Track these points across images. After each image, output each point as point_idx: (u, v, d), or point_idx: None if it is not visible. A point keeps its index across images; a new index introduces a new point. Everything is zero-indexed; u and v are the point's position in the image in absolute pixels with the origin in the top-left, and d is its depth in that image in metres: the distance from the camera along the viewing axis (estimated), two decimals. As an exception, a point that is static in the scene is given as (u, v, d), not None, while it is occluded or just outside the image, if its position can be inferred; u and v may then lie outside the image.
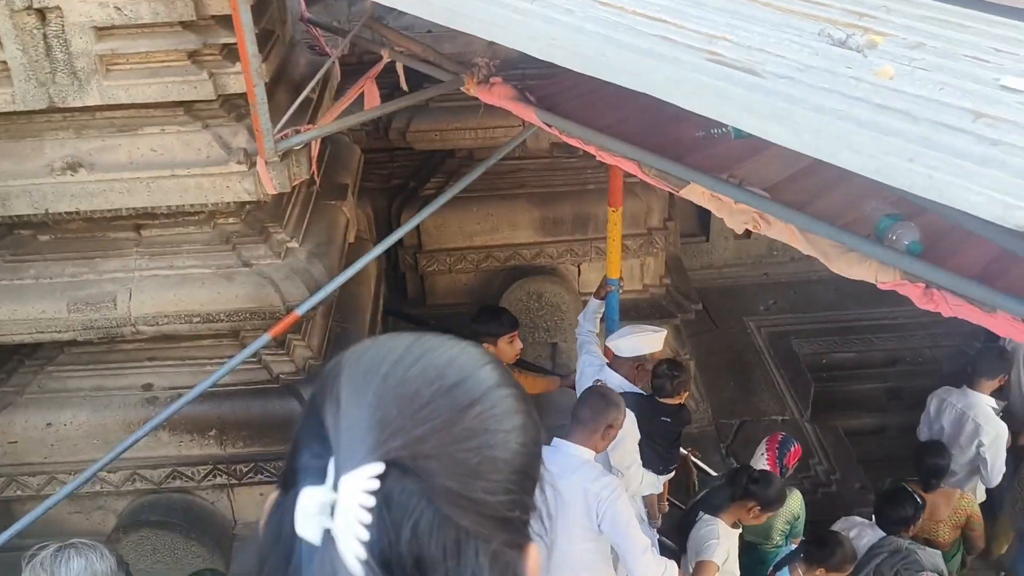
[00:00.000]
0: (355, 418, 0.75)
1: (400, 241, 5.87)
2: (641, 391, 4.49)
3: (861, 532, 4.51)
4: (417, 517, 0.73)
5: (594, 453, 3.61)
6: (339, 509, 0.71)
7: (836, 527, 4.60)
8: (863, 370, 7.14)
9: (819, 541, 4.13)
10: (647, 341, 4.40)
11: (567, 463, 3.52)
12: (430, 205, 4.15)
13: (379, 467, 0.72)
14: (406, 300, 6.08)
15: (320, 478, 0.74)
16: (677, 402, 4.48)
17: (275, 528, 0.79)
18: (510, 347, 4.54)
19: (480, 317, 4.69)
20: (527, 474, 0.83)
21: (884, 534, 4.38)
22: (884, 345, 7.16)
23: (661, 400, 4.44)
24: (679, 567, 4.26)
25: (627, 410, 3.95)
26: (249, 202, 3.80)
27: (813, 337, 7.15)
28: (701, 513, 4.14)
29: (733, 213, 2.63)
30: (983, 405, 5.14)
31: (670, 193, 6.09)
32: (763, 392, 6.54)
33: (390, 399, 0.76)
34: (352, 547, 0.70)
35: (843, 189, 2.63)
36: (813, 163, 2.82)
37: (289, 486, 0.78)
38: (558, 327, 5.80)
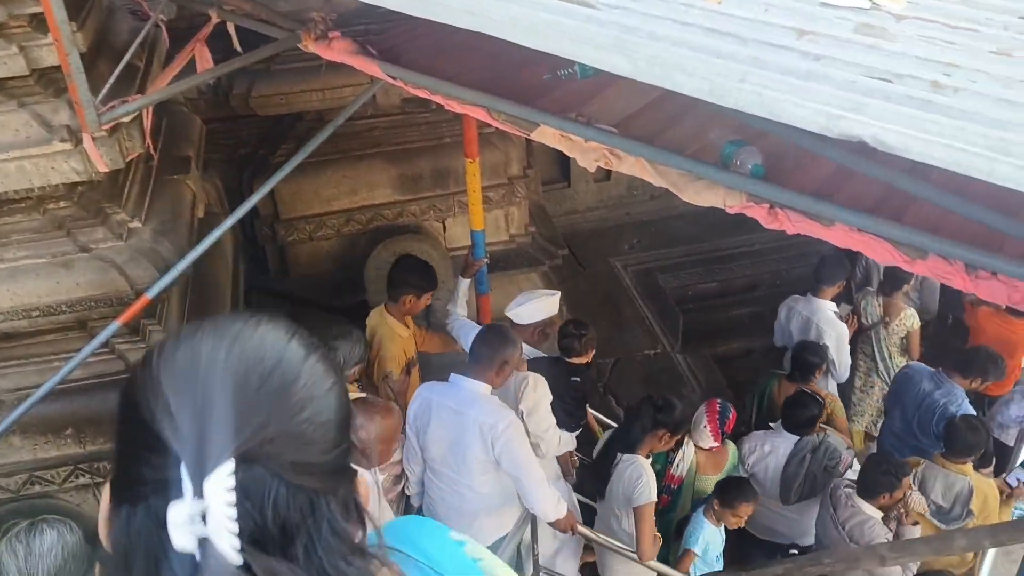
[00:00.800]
0: (195, 423, 0.78)
1: (255, 213, 5.65)
2: (545, 355, 4.54)
3: (767, 440, 4.79)
4: (274, 495, 0.80)
5: (490, 388, 3.62)
6: (211, 515, 0.75)
7: (744, 446, 4.88)
8: (726, 298, 7.45)
9: (727, 483, 4.36)
10: (545, 305, 4.40)
11: (463, 397, 3.57)
12: (279, 172, 3.98)
13: (231, 464, 0.76)
14: (269, 274, 5.87)
15: (177, 491, 0.77)
16: (585, 361, 4.54)
17: (132, 544, 0.82)
18: (426, 302, 4.52)
19: (409, 268, 4.55)
20: (347, 422, 0.90)
21: (795, 437, 4.65)
22: (744, 272, 7.47)
23: (569, 360, 4.48)
24: (602, 512, 4.45)
25: (539, 376, 4.06)
26: (80, 183, 3.55)
27: (677, 271, 7.38)
28: (619, 455, 4.22)
29: (584, 152, 2.63)
30: (825, 310, 5.50)
31: (527, 141, 6.13)
32: (635, 329, 6.71)
33: (223, 397, 0.79)
34: (228, 542, 0.75)
35: (689, 120, 2.68)
36: (659, 97, 2.86)
37: (133, 500, 0.82)
38: (428, 285, 5.74)
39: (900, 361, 5.80)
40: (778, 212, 2.22)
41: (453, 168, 5.65)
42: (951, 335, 6.75)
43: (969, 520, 4.39)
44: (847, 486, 4.39)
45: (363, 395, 3.75)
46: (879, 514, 4.23)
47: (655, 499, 4.08)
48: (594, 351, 4.61)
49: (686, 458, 4.59)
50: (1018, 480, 4.82)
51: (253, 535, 0.78)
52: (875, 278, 6.15)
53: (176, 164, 4.26)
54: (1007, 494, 4.83)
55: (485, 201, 4.97)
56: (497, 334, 3.76)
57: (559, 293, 4.68)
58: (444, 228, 5.90)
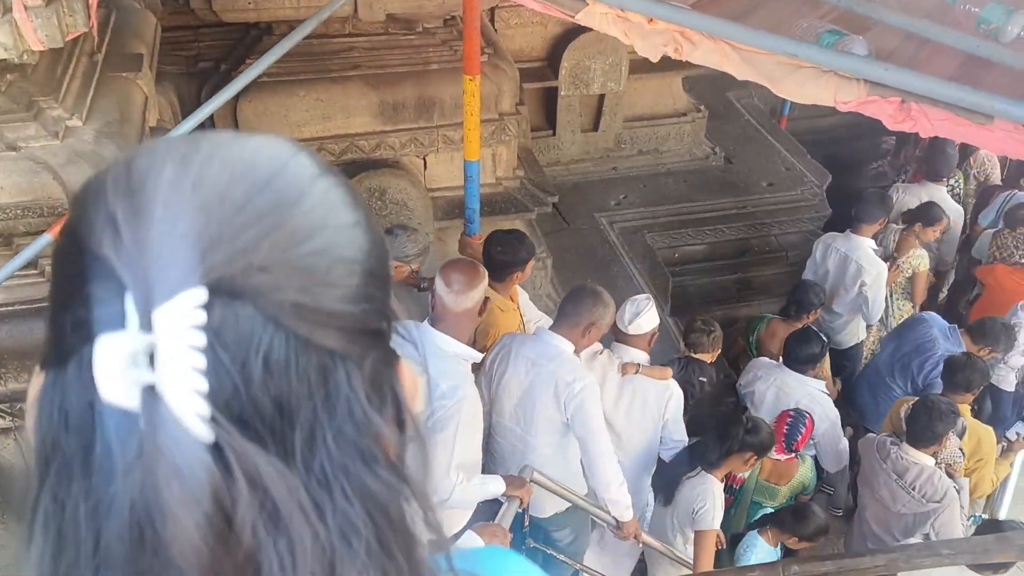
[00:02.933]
0: (150, 237, 0.54)
1: (213, 135, 5.03)
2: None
3: (769, 373, 4.75)
4: (267, 348, 0.55)
5: (573, 347, 3.43)
6: (160, 355, 0.51)
7: (745, 377, 4.86)
8: (714, 262, 7.04)
9: (796, 512, 4.08)
10: (655, 313, 4.08)
11: (544, 351, 3.40)
12: (236, 81, 3.37)
13: (201, 293, 0.52)
14: (226, 205, 5.25)
15: (118, 323, 0.53)
16: (711, 359, 4.43)
17: (56, 416, 0.56)
18: (529, 271, 4.03)
19: (505, 244, 3.92)
20: (383, 278, 0.65)
21: (795, 373, 4.63)
22: (735, 235, 7.06)
23: (695, 356, 4.40)
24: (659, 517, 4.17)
25: (679, 390, 3.99)
26: (9, 67, 2.94)
27: (665, 231, 6.94)
28: (698, 469, 3.92)
29: (647, 35, 2.11)
30: (865, 248, 5.47)
31: (520, 74, 5.56)
32: (623, 288, 6.23)
33: (192, 206, 0.55)
34: (189, 404, 0.51)
35: (772, 6, 2.18)
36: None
37: (66, 354, 0.56)
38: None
39: (902, 303, 5.82)
40: (912, 107, 1.74)
41: (439, 98, 5.08)
42: (957, 291, 6.56)
43: (958, 460, 4.32)
44: (890, 439, 4.19)
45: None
46: (932, 461, 4.06)
47: (718, 528, 3.79)
48: (720, 350, 4.49)
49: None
50: (1017, 434, 4.89)
51: (232, 405, 0.53)
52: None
53: (126, 61, 3.64)
54: (1004, 446, 4.86)
55: (472, 136, 4.43)
56: (590, 294, 3.51)
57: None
58: (425, 165, 5.34)
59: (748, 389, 4.88)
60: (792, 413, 4.35)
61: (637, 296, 4.12)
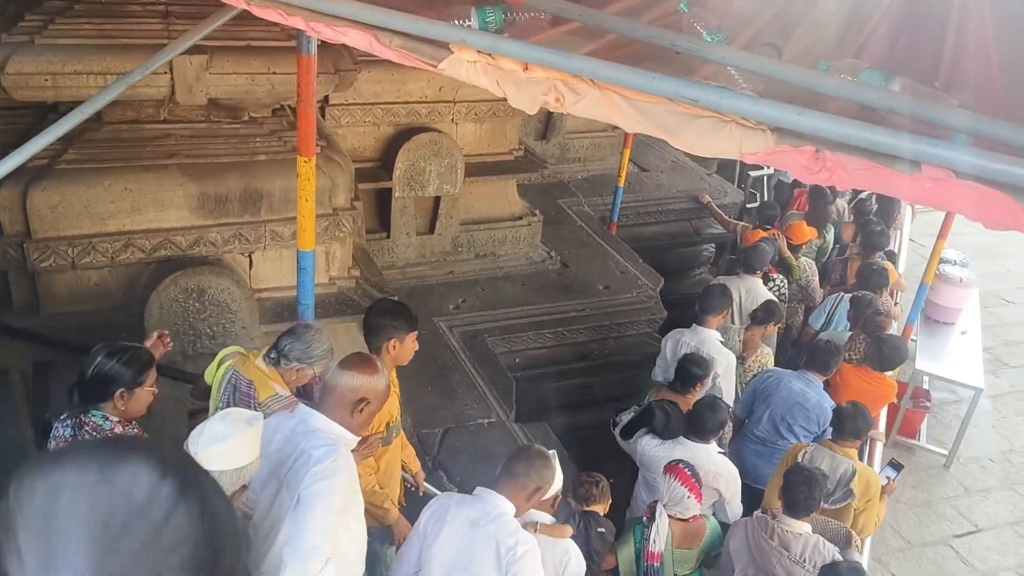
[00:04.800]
0: (44, 569, 0.77)
1: (-1, 229, 4.37)
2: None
3: (675, 448, 4.67)
4: None
5: (515, 509, 3.25)
6: None
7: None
8: (557, 366, 6.87)
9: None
10: (559, 473, 3.69)
11: (485, 511, 3.21)
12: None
13: None
14: (11, 309, 4.52)
15: None
16: (605, 508, 4.25)
17: None
18: (414, 345, 3.76)
19: (383, 309, 3.78)
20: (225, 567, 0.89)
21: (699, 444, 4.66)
22: (575, 338, 6.94)
23: (590, 509, 4.18)
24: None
25: (580, 554, 3.77)
26: None
27: (506, 334, 6.71)
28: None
29: (522, 85, 1.87)
30: (713, 340, 5.61)
31: (355, 171, 5.26)
32: (464, 395, 5.91)
33: (77, 540, 0.77)
34: None
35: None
36: None
37: None
38: (227, 332, 4.66)
39: None
40: (828, 157, 1.56)
41: (267, 190, 4.69)
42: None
43: (850, 500, 4.59)
44: (766, 516, 4.27)
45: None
46: (810, 528, 4.14)
47: None
48: (610, 499, 4.30)
49: (661, 532, 4.24)
50: (887, 478, 5.07)
51: None
52: (741, 314, 6.35)
53: None
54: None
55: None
56: (538, 456, 3.34)
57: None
58: (251, 263, 4.86)
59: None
60: (678, 463, 4.29)
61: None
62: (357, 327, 5.46)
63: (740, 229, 8.12)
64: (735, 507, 4.80)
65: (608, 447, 5.84)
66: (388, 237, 6.89)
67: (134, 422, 3.27)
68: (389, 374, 3.50)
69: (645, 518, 4.31)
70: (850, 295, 6.69)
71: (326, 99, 6.27)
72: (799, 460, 4.55)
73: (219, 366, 3.62)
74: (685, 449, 4.66)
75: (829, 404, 5.24)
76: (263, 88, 4.40)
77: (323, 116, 6.23)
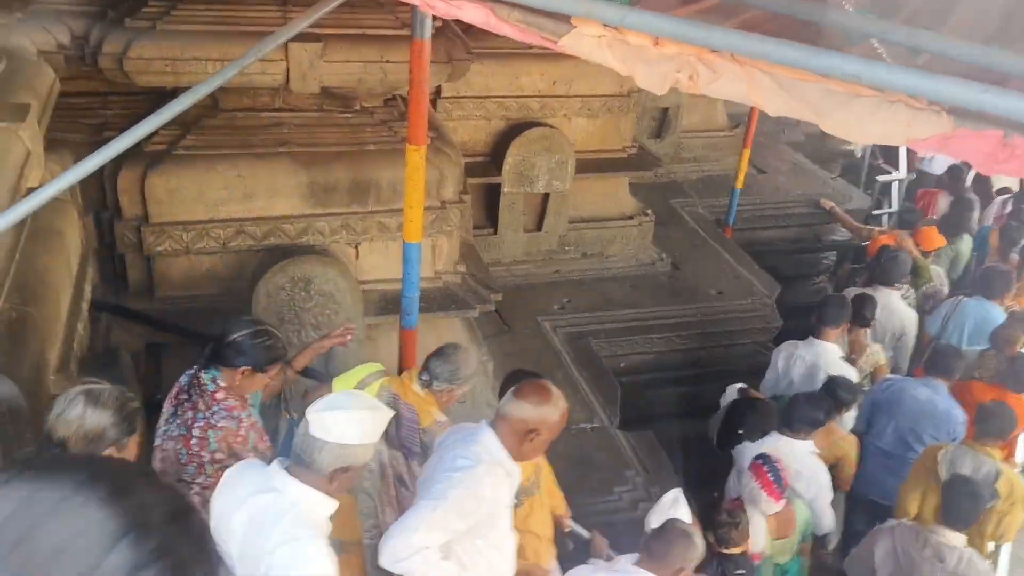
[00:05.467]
0: None
1: (117, 212, 4.45)
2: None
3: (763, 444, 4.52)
4: None
5: None
6: None
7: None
8: (662, 373, 6.61)
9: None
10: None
11: None
12: (105, 148, 2.78)
13: None
14: (127, 291, 4.61)
15: None
16: (745, 548, 4.02)
17: None
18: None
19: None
20: None
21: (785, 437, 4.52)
22: (684, 344, 6.67)
23: (727, 552, 3.92)
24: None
25: None
26: None
27: (612, 337, 6.50)
28: None
29: (652, 62, 1.68)
30: (832, 354, 5.21)
31: (464, 165, 5.16)
32: (567, 398, 5.63)
33: None
34: None
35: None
36: None
37: None
38: (331, 323, 4.61)
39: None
40: (1019, 143, 1.32)
41: (375, 181, 4.62)
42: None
43: (994, 502, 4.33)
44: (919, 527, 4.14)
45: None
46: (965, 541, 4.01)
47: None
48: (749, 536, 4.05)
49: (758, 530, 4.10)
50: None
51: None
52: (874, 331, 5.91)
53: (7, 110, 3.09)
54: None
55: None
56: (685, 536, 3.20)
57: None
58: (357, 254, 4.81)
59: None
60: (761, 461, 4.18)
61: (665, 497, 3.63)
62: (461, 323, 5.38)
63: (874, 235, 7.55)
64: (819, 514, 4.54)
65: (717, 459, 5.57)
66: (495, 233, 6.77)
67: (246, 403, 3.30)
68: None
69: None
70: (972, 299, 6.18)
71: (438, 91, 6.20)
72: (938, 462, 4.37)
73: (358, 383, 3.58)
74: (774, 442, 4.49)
75: (959, 411, 4.87)
76: (375, 76, 4.33)
77: (434, 108, 6.16)
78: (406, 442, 3.58)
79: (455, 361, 3.53)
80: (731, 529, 3.92)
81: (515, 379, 3.68)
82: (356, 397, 2.68)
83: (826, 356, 5.19)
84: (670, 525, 3.31)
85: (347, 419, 2.51)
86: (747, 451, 4.68)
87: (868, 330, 5.69)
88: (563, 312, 6.61)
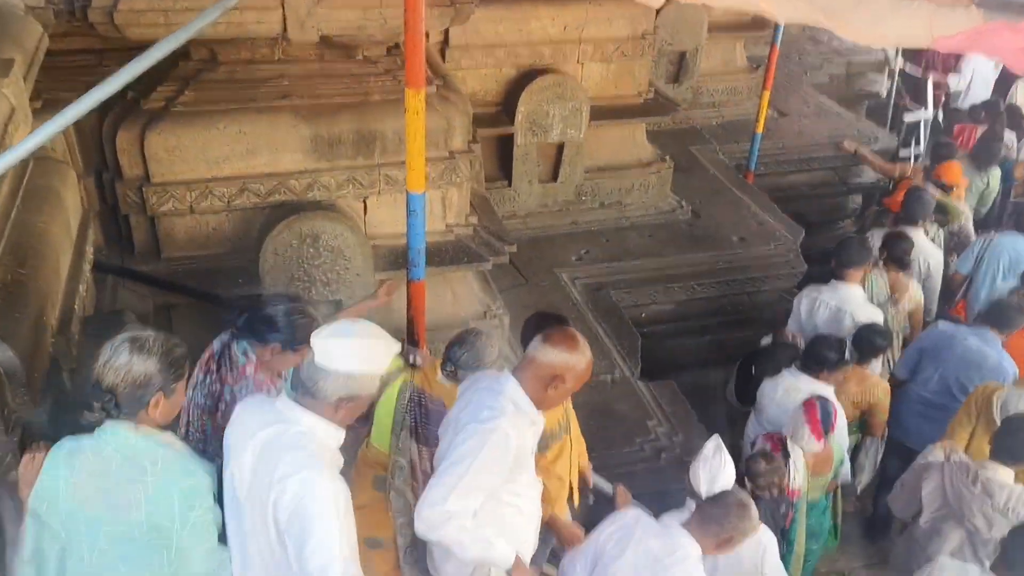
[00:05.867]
0: None
1: (118, 173, 4.37)
2: None
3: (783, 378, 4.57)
4: None
5: (700, 552, 3.07)
6: None
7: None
8: (686, 321, 6.48)
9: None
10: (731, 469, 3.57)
11: (671, 549, 3.05)
12: (76, 104, 2.67)
13: None
14: (133, 253, 4.54)
15: None
16: (782, 481, 4.04)
17: None
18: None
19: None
20: None
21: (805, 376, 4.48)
22: (706, 293, 6.52)
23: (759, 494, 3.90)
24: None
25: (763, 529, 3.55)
26: None
27: (631, 287, 6.37)
28: None
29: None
30: (857, 297, 5.08)
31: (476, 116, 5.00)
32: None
33: None
34: None
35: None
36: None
37: None
38: (341, 279, 4.54)
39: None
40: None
41: (381, 132, 4.49)
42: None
43: None
44: (971, 462, 4.06)
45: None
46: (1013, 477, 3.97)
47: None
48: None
49: (799, 468, 4.08)
50: None
51: None
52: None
53: (-9, 65, 2.99)
54: None
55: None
56: (741, 506, 3.14)
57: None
58: (365, 209, 4.70)
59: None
60: (816, 400, 4.17)
61: (706, 448, 3.57)
62: (475, 276, 5.27)
63: (906, 171, 7.32)
64: None
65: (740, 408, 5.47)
66: (509, 185, 6.63)
67: (275, 379, 3.23)
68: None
69: (778, 454, 4.08)
70: (1005, 235, 5.95)
71: (445, 40, 6.03)
72: (992, 403, 4.25)
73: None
74: (792, 378, 4.52)
75: (1011, 365, 4.66)
76: (375, 23, 4.18)
77: (443, 58, 5.99)
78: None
79: (478, 347, 3.43)
80: (772, 476, 3.92)
81: (536, 321, 3.68)
82: (360, 326, 2.61)
83: (851, 300, 5.03)
84: (729, 494, 3.28)
85: (351, 346, 2.48)
86: (766, 388, 4.63)
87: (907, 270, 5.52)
88: (581, 263, 6.48)
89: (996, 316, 4.83)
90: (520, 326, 5.48)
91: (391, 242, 4.70)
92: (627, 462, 4.83)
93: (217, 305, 4.34)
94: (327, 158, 4.47)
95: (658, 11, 7.13)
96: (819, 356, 4.46)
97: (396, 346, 2.66)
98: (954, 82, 9.31)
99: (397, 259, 4.68)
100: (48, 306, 3.15)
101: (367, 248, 4.54)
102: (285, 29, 4.09)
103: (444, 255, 4.79)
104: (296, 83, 4.45)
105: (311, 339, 2.49)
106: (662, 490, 4.50)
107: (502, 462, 2.81)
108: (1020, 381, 4.44)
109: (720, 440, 3.57)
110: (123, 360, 2.36)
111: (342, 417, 2.53)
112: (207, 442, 3.13)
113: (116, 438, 2.39)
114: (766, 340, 5.43)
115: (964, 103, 9.26)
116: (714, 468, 3.47)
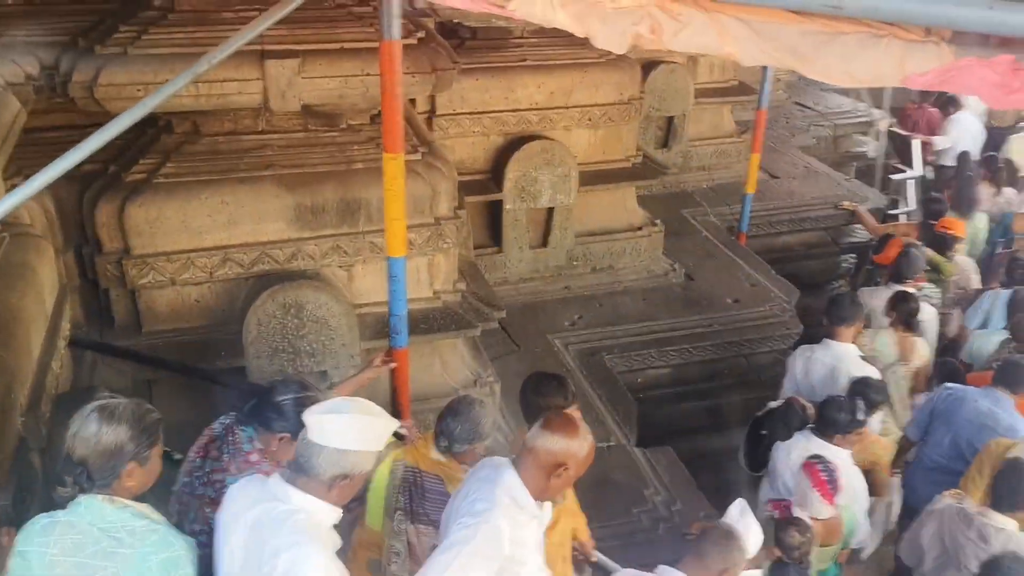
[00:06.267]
0: None
1: (98, 246, 4.31)
2: None
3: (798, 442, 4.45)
4: None
5: None
6: None
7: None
8: (684, 386, 6.36)
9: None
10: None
11: None
12: (44, 171, 2.64)
13: None
14: (113, 327, 4.45)
15: None
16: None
17: None
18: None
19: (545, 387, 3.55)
20: None
21: (818, 439, 4.37)
22: (701, 356, 6.41)
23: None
24: None
25: None
26: None
27: (626, 352, 6.27)
28: None
29: (608, 18, 1.48)
30: (852, 355, 4.97)
31: (461, 188, 4.98)
32: (584, 419, 5.49)
33: None
34: None
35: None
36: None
37: None
38: (327, 349, 4.43)
39: (913, 400, 5.34)
40: (1033, 66, 1.10)
41: (365, 200, 4.45)
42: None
43: None
44: (970, 506, 4.04)
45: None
46: (1016, 525, 3.93)
47: None
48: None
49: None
50: None
51: None
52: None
53: (-38, 140, 2.95)
54: None
55: (407, 246, 3.77)
56: (729, 538, 3.08)
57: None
58: (350, 277, 4.63)
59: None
60: (813, 460, 4.06)
61: (731, 512, 3.44)
62: (464, 343, 5.17)
63: (898, 229, 7.36)
64: (856, 524, 4.35)
65: (741, 473, 5.31)
66: (500, 252, 6.59)
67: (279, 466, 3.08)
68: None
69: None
70: (1011, 290, 5.91)
71: (432, 109, 6.06)
72: (1007, 458, 4.15)
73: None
74: (805, 440, 4.39)
75: (1023, 425, 4.50)
76: (357, 91, 4.17)
77: (430, 127, 6.01)
78: (439, 514, 3.36)
79: (472, 418, 3.31)
80: (806, 546, 3.83)
81: (535, 382, 3.56)
82: (356, 403, 2.53)
83: (845, 357, 4.92)
84: (715, 527, 3.20)
85: (346, 423, 2.40)
86: (780, 451, 4.51)
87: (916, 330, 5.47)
88: (574, 328, 6.40)
89: (1007, 376, 4.68)
90: (512, 394, 5.38)
91: (377, 310, 4.61)
92: (624, 533, 4.66)
93: (200, 379, 4.24)
94: (311, 227, 4.43)
95: (645, 77, 7.22)
96: (831, 419, 4.35)
97: (394, 424, 2.59)
98: (940, 142, 9.40)
99: (384, 327, 4.58)
100: (17, 384, 3.05)
101: (352, 317, 4.46)
102: (267, 99, 4.08)
103: (432, 322, 4.71)
104: (279, 152, 4.43)
105: (304, 415, 2.42)
106: (661, 562, 4.35)
107: (493, 556, 2.67)
108: None
109: (745, 503, 3.45)
110: (92, 430, 2.30)
111: (336, 496, 2.45)
112: (210, 535, 3.01)
113: (91, 511, 2.31)
114: (773, 403, 5.32)
115: (945, 159, 9.35)
116: (748, 525, 3.36)
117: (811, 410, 4.73)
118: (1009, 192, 7.99)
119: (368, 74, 4.14)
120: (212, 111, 4.22)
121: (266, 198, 4.33)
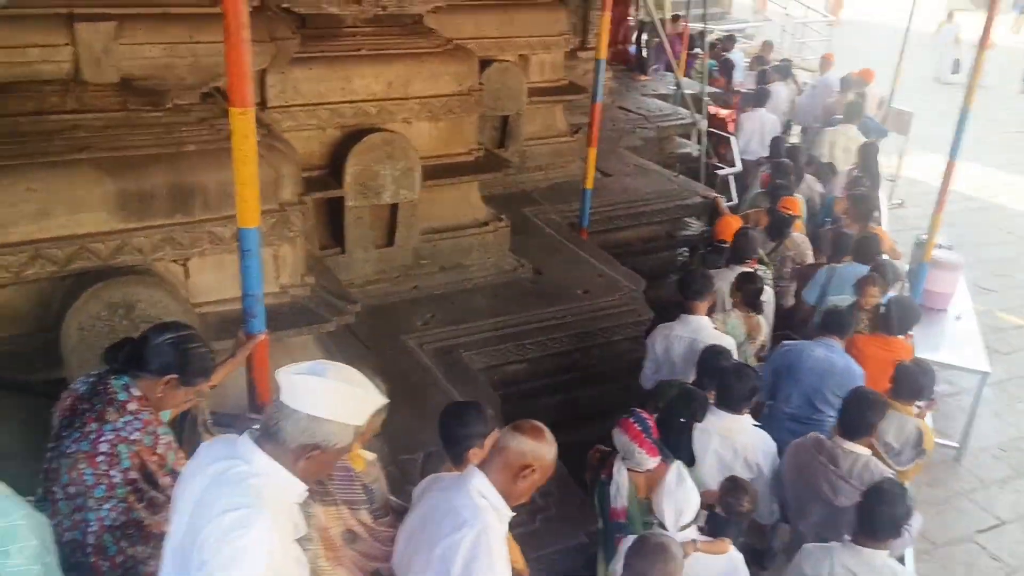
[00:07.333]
0: None
1: None
2: None
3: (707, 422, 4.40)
4: None
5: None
6: None
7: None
8: (542, 380, 6.25)
9: None
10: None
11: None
12: None
13: None
14: None
15: None
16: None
17: None
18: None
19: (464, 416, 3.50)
20: None
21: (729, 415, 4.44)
22: (558, 347, 6.32)
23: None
24: None
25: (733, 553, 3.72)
26: None
27: (483, 348, 6.06)
28: None
29: None
30: (708, 327, 5.18)
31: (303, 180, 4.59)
32: (444, 414, 5.24)
33: None
34: None
35: None
36: None
37: None
38: (164, 353, 3.93)
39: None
40: None
41: (201, 186, 4.01)
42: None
43: (921, 459, 4.62)
44: (822, 436, 4.32)
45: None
46: (868, 452, 4.18)
47: None
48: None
49: (621, 487, 3.97)
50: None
51: None
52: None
53: None
54: None
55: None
56: (661, 550, 3.13)
57: None
58: (187, 273, 4.15)
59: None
60: (628, 417, 4.02)
61: (668, 480, 3.60)
62: (315, 343, 4.79)
63: (754, 215, 7.86)
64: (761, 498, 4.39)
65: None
66: (343, 252, 6.22)
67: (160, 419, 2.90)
68: None
69: (604, 476, 4.08)
70: (846, 266, 6.33)
71: (263, 102, 5.65)
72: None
73: None
74: (718, 420, 4.39)
75: (857, 367, 4.95)
76: (185, 61, 3.76)
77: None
78: (346, 494, 3.14)
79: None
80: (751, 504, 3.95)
81: (455, 412, 3.53)
82: (338, 367, 2.32)
83: (702, 330, 5.14)
84: (645, 543, 3.21)
85: (322, 387, 2.20)
86: (699, 440, 4.46)
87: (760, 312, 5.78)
88: (428, 328, 6.12)
89: (833, 324, 5.15)
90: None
91: (220, 308, 4.18)
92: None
93: (14, 392, 3.65)
94: (138, 216, 3.93)
95: (480, 72, 7.12)
96: (740, 391, 4.46)
97: (380, 400, 2.43)
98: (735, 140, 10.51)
99: (228, 327, 4.14)
100: None
101: (192, 317, 3.98)
102: (78, 69, 3.58)
103: (281, 319, 4.30)
104: (96, 134, 3.91)
105: (277, 374, 2.22)
106: (541, 555, 4.18)
107: (504, 553, 2.73)
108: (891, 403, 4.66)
109: (682, 468, 3.52)
110: None
111: (303, 469, 2.27)
112: (88, 491, 2.74)
113: None
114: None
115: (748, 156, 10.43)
116: (679, 500, 3.50)
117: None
118: (809, 179, 8.79)
119: (197, 41, 3.74)
120: (13, 84, 3.66)
121: (83, 184, 3.79)
